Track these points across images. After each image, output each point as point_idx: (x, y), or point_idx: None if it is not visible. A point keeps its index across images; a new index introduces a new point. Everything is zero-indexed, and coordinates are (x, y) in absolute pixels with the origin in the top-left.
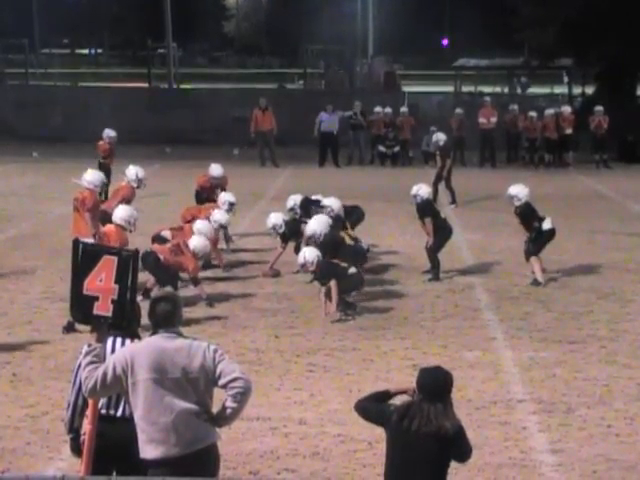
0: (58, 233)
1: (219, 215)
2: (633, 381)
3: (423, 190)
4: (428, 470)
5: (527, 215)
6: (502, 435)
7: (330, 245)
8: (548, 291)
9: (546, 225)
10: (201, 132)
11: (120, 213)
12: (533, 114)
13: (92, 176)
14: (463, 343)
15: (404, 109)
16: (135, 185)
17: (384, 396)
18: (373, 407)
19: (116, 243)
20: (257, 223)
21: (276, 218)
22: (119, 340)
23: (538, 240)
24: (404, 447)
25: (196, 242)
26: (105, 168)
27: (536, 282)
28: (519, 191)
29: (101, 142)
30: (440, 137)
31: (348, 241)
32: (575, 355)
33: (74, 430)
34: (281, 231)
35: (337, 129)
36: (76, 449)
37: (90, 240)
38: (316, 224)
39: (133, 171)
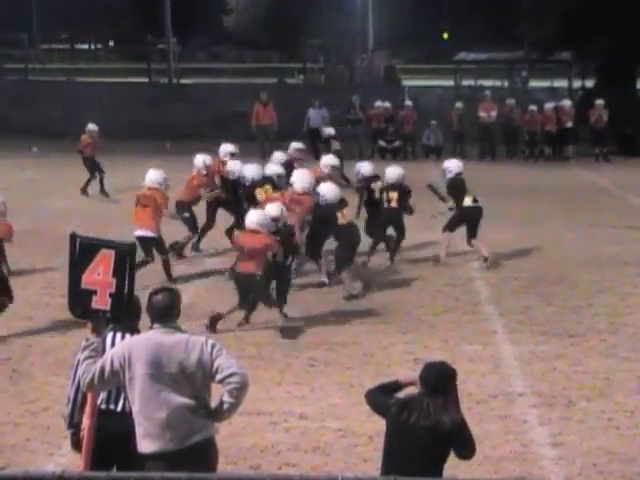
0: (58, 228)
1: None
2: (633, 374)
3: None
4: (424, 463)
5: (452, 188)
6: (502, 429)
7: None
8: (548, 284)
9: (466, 202)
10: (201, 127)
11: (253, 217)
12: (533, 108)
13: (156, 176)
14: (463, 337)
15: (408, 103)
16: (204, 172)
17: (394, 387)
18: (377, 398)
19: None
20: None
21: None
22: (119, 335)
23: (455, 216)
24: (401, 439)
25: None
26: (90, 161)
27: (484, 260)
28: (449, 165)
29: (84, 136)
30: (361, 169)
31: (341, 220)
32: (575, 348)
33: (74, 425)
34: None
35: (324, 125)
36: (76, 444)
37: (152, 234)
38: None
39: (201, 159)
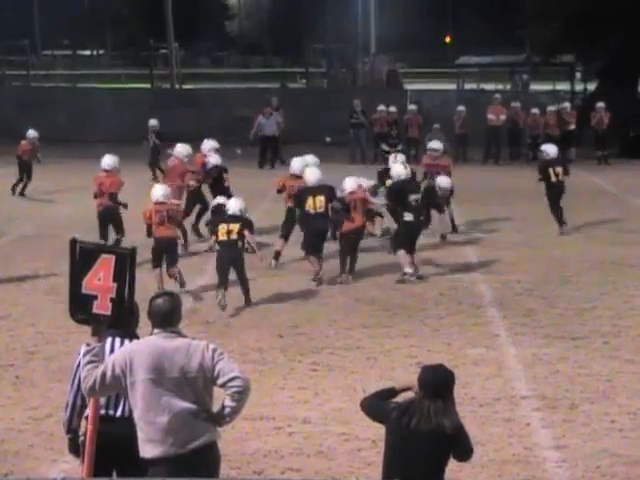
0: (61, 234)
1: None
2: (636, 376)
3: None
4: (425, 467)
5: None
6: (506, 431)
7: None
8: (551, 287)
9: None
10: (204, 132)
11: (159, 191)
12: (535, 111)
13: (113, 160)
14: (467, 340)
15: (412, 107)
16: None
17: (389, 393)
18: (375, 404)
19: None
20: (262, 222)
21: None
22: (118, 340)
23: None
24: (403, 443)
25: None
26: (25, 165)
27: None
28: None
29: (24, 142)
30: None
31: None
32: (578, 351)
33: (72, 430)
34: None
35: (277, 132)
36: (74, 449)
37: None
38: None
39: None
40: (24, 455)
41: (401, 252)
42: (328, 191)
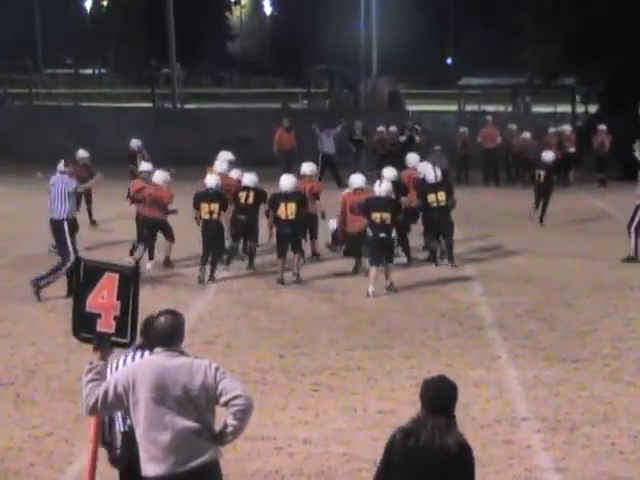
0: None
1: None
2: (637, 399)
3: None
4: None
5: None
6: (506, 453)
7: None
8: (552, 309)
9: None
10: (205, 152)
11: (160, 176)
12: (527, 134)
13: (310, 167)
14: (467, 362)
15: (417, 127)
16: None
17: None
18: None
19: None
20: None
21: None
22: (139, 354)
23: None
24: (410, 466)
25: None
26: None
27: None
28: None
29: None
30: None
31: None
32: (579, 373)
33: (107, 443)
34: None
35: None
36: (111, 460)
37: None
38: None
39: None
40: (25, 474)
41: (371, 268)
42: (300, 198)
